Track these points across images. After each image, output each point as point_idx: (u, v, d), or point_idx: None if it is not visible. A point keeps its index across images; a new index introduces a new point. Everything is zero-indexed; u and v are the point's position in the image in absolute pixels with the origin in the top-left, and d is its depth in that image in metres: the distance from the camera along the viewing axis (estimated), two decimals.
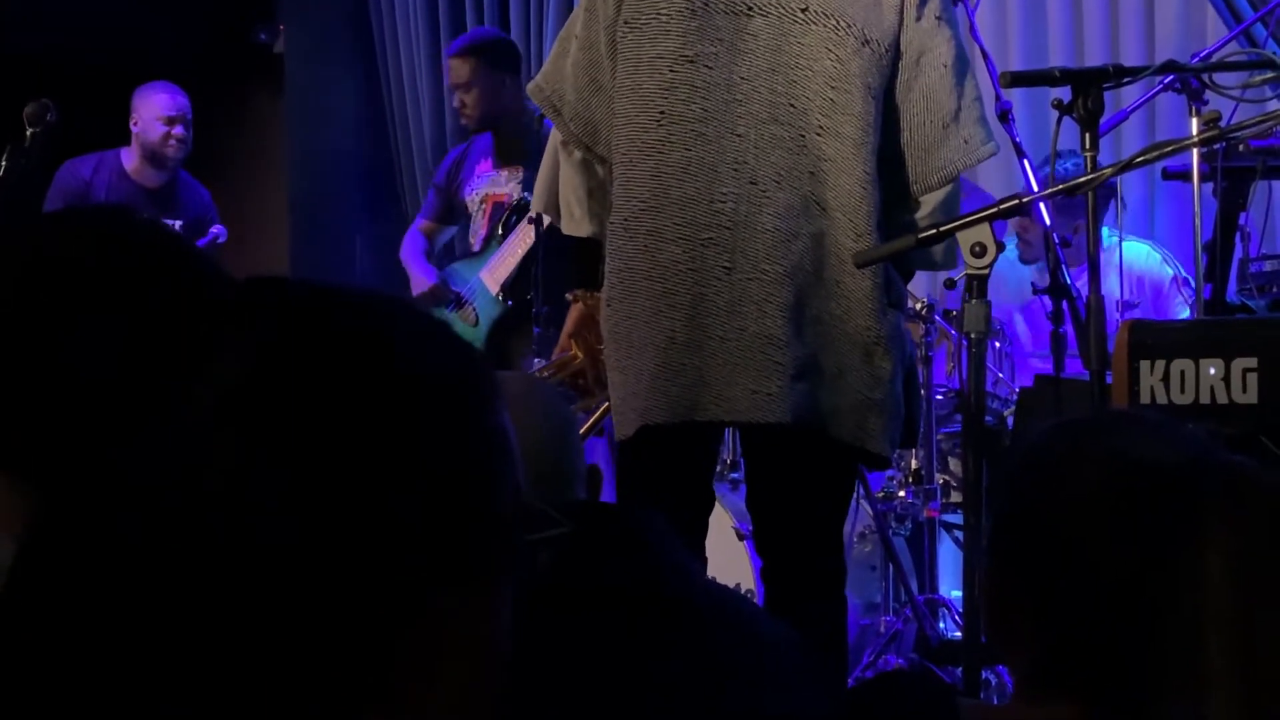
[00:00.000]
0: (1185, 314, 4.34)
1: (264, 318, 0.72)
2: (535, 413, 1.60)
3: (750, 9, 2.51)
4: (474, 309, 4.84)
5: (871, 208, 2.51)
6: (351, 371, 0.71)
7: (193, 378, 0.70)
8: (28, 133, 4.32)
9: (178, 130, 5.40)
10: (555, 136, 2.77)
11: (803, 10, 2.50)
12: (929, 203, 2.61)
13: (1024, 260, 4.73)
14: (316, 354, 0.71)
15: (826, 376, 2.52)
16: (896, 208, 2.60)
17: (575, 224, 2.75)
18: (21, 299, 1.02)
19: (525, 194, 4.70)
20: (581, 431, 3.16)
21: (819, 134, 2.50)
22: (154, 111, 5.41)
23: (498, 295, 4.77)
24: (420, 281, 4.93)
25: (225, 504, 0.68)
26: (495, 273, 4.79)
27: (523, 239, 4.67)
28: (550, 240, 4.39)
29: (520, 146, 4.81)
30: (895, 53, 2.55)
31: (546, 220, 4.32)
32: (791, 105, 2.50)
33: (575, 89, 2.65)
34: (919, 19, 2.55)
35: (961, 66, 2.59)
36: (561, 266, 3.29)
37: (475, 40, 4.98)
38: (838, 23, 2.50)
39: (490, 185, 4.89)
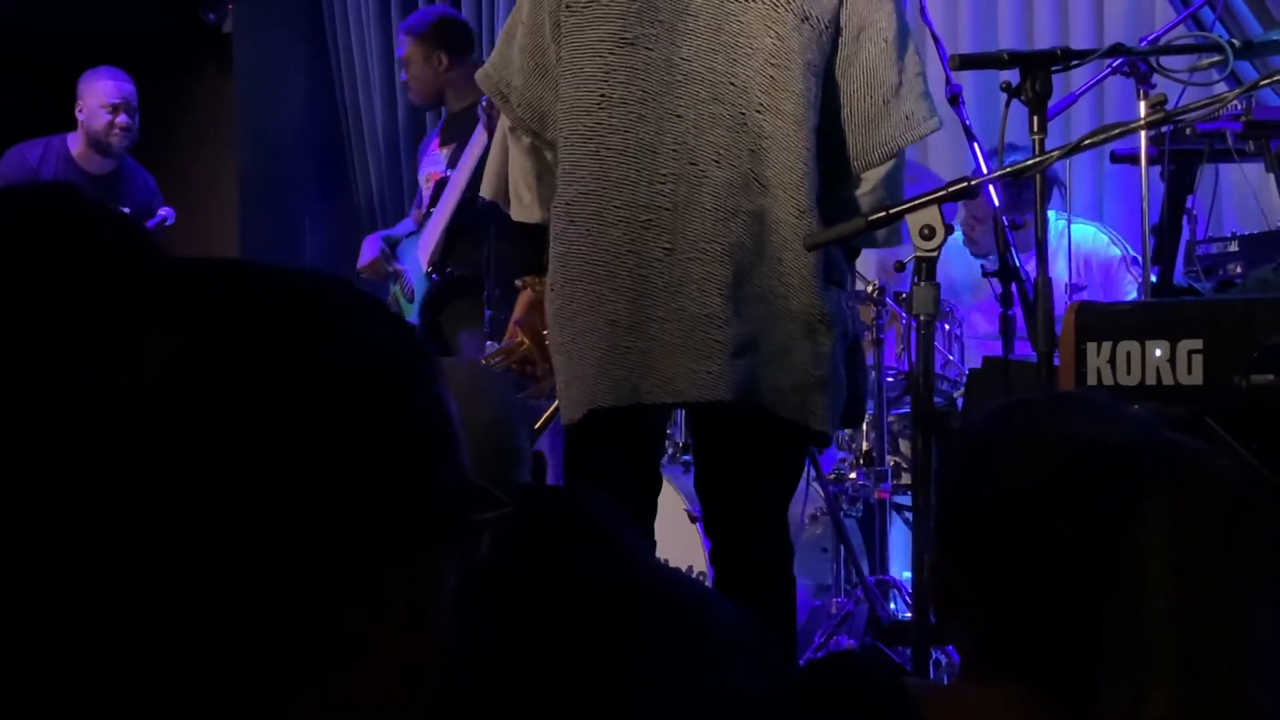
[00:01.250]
0: (1134, 293, 4.36)
1: (200, 302, 0.73)
2: (481, 398, 1.61)
3: None
4: (411, 285, 5.02)
5: (813, 184, 2.52)
6: (285, 351, 0.71)
7: (128, 366, 0.70)
8: None
9: (122, 119, 5.35)
10: (504, 121, 2.76)
11: None
12: (870, 179, 2.61)
13: (975, 255, 4.75)
14: (250, 336, 0.71)
15: (770, 354, 2.52)
16: (837, 183, 2.60)
17: (525, 210, 2.74)
18: (22, 298, 1.01)
19: (448, 170, 4.90)
20: (538, 426, 3.16)
21: (759, 111, 2.50)
22: (98, 99, 5.36)
23: (426, 270, 4.90)
24: (364, 255, 5.14)
25: (164, 485, 0.67)
26: (424, 248, 4.96)
27: (442, 214, 4.86)
28: (501, 221, 4.43)
29: (462, 123, 4.97)
30: (835, 29, 2.55)
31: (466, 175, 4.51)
32: (732, 84, 2.50)
33: (522, 74, 2.64)
34: None
35: (903, 41, 2.59)
36: (513, 249, 3.30)
37: (415, 18, 5.21)
38: (776, 1, 2.50)
39: (433, 164, 5.06)
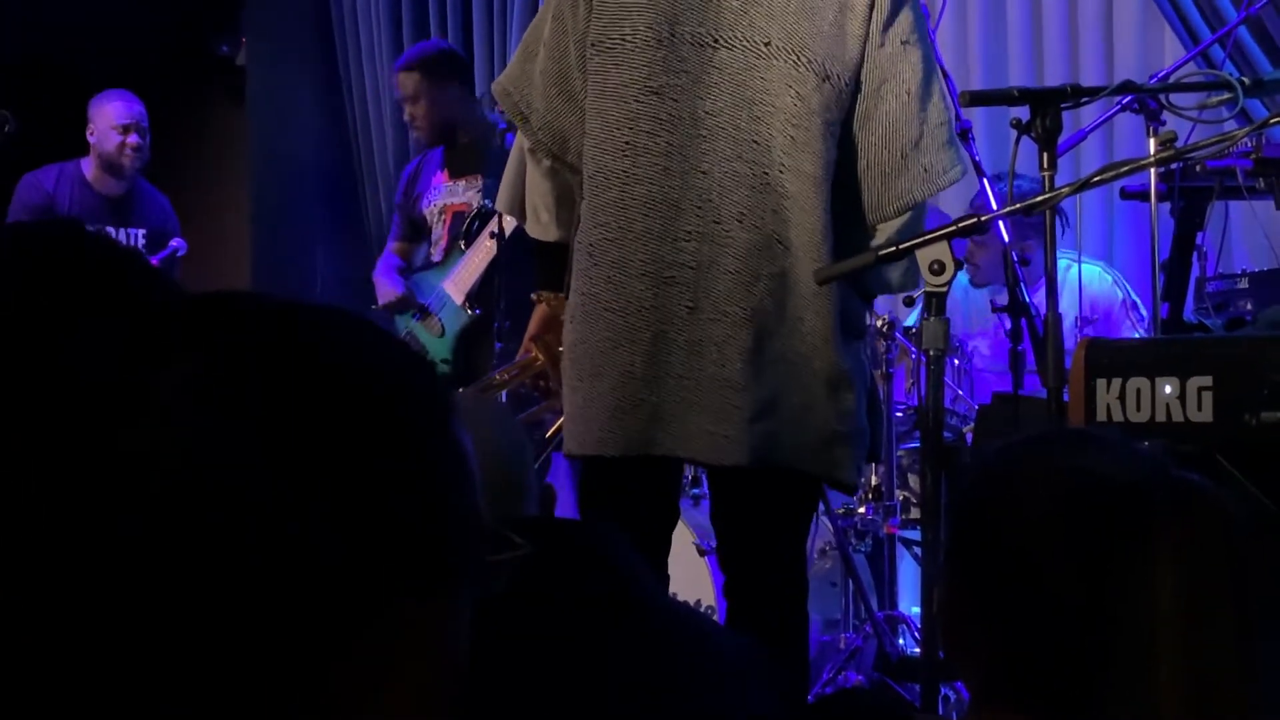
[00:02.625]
0: (1134, 336, 4.36)
1: (199, 305, 0.74)
2: (486, 428, 1.61)
3: (716, 41, 2.49)
4: (439, 320, 4.85)
5: (831, 244, 2.50)
6: (284, 350, 0.72)
7: (149, 385, 0.70)
8: None
9: (132, 138, 5.39)
10: (522, 140, 2.76)
11: (765, 44, 2.48)
12: (885, 232, 2.58)
13: (974, 284, 4.75)
14: (250, 336, 0.72)
15: (792, 414, 2.51)
16: (855, 234, 2.56)
17: (542, 229, 2.74)
18: (22, 300, 1.02)
19: (486, 201, 4.70)
20: (548, 435, 3.16)
21: (781, 171, 2.48)
22: (108, 120, 5.39)
23: (463, 305, 4.77)
24: (388, 293, 4.92)
25: (164, 486, 0.68)
26: (459, 282, 4.78)
27: (486, 247, 4.68)
28: (512, 255, 4.40)
29: (476, 155, 4.82)
30: (855, 85, 2.52)
31: (510, 225, 4.36)
32: (755, 142, 2.48)
33: (544, 98, 2.62)
34: (882, 45, 2.52)
35: (928, 90, 2.56)
36: (524, 281, 3.29)
37: (417, 54, 5.01)
38: (798, 59, 2.48)
39: (448, 196, 4.89)
